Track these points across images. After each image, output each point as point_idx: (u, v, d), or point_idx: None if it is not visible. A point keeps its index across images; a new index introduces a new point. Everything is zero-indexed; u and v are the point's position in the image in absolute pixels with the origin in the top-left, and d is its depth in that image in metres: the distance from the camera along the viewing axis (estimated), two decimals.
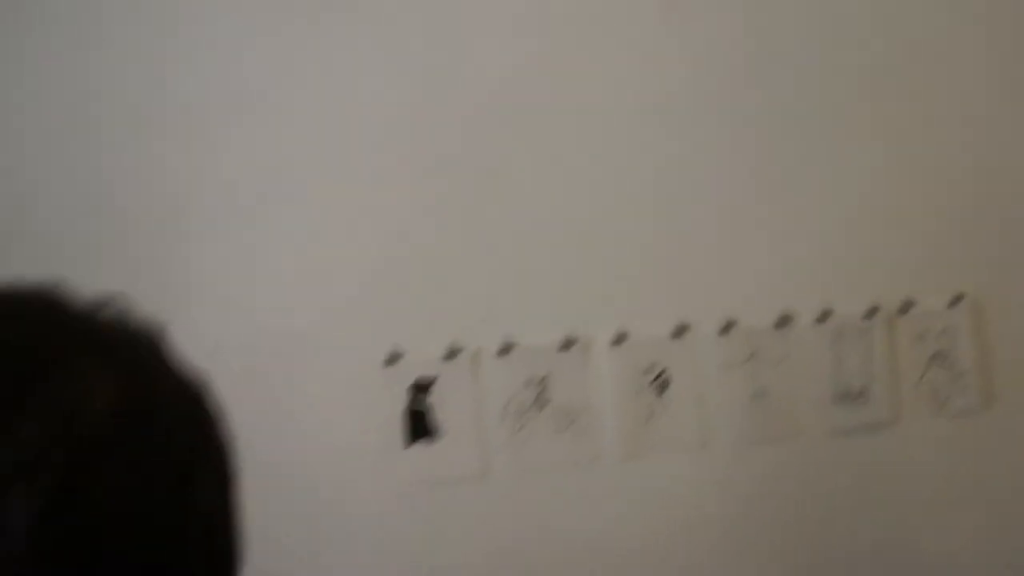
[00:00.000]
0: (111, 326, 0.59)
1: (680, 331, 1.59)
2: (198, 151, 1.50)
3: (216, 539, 0.60)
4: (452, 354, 1.53)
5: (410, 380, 1.51)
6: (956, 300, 1.66)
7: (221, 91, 1.51)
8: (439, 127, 1.54)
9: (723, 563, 1.61)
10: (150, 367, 0.59)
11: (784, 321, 1.62)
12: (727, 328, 1.60)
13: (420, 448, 1.52)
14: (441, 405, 1.52)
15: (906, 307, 1.65)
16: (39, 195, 1.48)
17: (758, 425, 1.61)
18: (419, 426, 1.51)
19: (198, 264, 1.49)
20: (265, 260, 1.50)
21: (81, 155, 1.49)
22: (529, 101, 1.57)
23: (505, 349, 1.54)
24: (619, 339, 1.57)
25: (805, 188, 1.63)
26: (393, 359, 1.51)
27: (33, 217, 1.47)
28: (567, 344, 1.56)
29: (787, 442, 1.63)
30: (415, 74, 1.54)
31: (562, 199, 1.57)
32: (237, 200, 1.51)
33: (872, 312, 1.64)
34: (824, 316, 1.63)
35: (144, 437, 0.56)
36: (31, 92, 1.48)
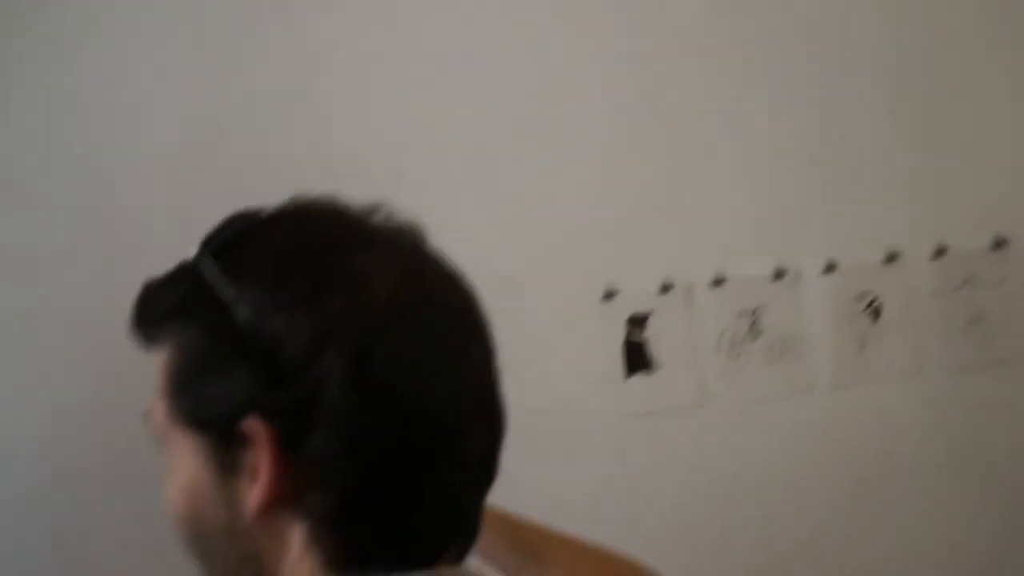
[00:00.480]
0: (387, 225, 0.70)
1: (891, 258, 1.58)
2: (412, 107, 1.58)
3: (485, 398, 0.69)
4: (666, 288, 1.57)
5: (626, 315, 1.56)
6: None
7: (430, 48, 1.58)
8: (642, 70, 1.57)
9: (940, 492, 1.60)
10: (420, 257, 0.70)
11: (1000, 244, 1.59)
12: (940, 253, 1.58)
13: (638, 380, 1.57)
14: (657, 338, 1.57)
15: None
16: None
17: (975, 351, 1.59)
18: (636, 359, 1.57)
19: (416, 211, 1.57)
20: (485, 207, 1.57)
21: (309, 108, 1.59)
22: (728, 39, 1.58)
23: (717, 281, 1.57)
24: (829, 268, 1.58)
25: (1010, 106, 1.59)
26: (609, 295, 1.57)
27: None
28: (778, 275, 1.58)
29: (1006, 367, 1.60)
30: (612, 21, 1.58)
31: (767, 133, 1.58)
32: (450, 151, 1.58)
33: None
34: None
35: (423, 312, 0.66)
36: (256, 57, 1.59)
